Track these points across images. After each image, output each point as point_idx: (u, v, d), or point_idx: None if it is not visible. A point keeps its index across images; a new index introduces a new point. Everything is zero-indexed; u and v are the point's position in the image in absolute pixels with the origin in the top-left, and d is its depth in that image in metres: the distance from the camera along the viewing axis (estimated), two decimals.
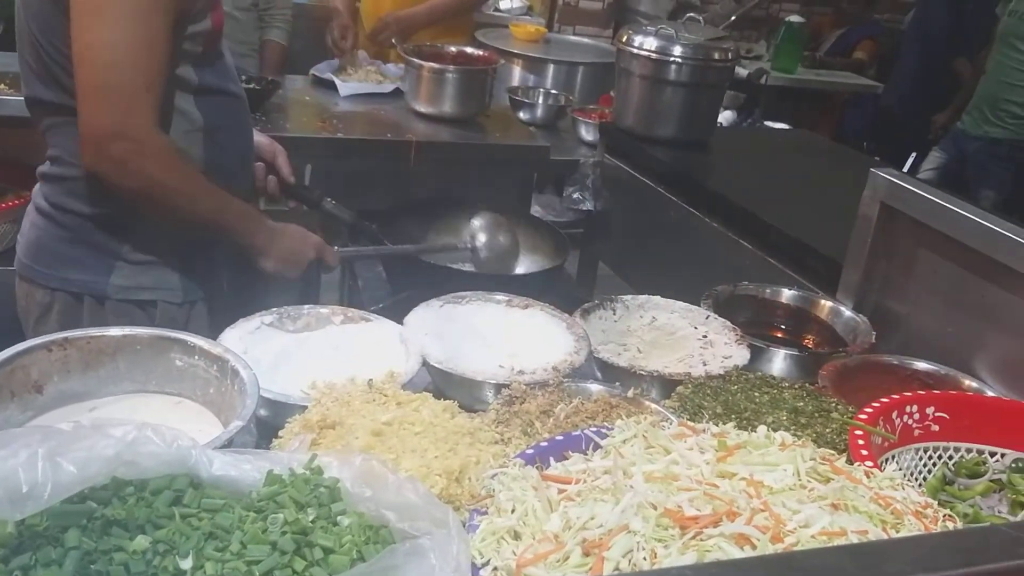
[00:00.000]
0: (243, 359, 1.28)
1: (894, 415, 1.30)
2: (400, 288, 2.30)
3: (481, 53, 3.39)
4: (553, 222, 4.32)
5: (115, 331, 1.31)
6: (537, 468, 1.09)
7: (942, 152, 5.04)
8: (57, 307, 1.70)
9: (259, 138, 2.04)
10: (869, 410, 1.28)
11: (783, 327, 1.81)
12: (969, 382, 1.54)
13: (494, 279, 2.28)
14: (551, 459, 1.12)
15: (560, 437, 1.16)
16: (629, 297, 1.71)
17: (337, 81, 3.40)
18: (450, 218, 2.48)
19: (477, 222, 2.35)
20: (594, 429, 1.17)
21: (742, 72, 4.81)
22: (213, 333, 1.47)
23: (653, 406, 1.37)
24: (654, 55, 2.97)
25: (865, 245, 1.71)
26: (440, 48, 3.36)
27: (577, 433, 1.16)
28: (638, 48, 3.00)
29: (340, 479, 1.00)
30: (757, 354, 1.60)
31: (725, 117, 3.91)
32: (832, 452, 1.14)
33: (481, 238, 2.32)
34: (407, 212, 2.47)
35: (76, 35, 1.50)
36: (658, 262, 2.98)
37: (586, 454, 1.14)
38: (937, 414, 1.34)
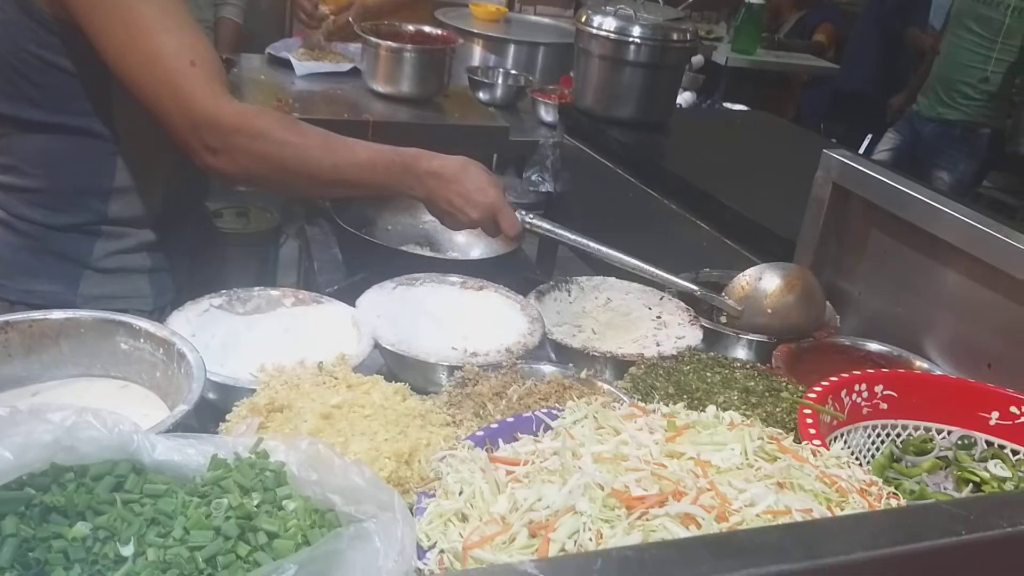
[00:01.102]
0: (190, 342, 1.26)
1: (843, 394, 1.31)
2: (355, 270, 2.28)
3: (440, 32, 3.36)
4: (513, 203, 4.32)
5: (57, 314, 1.28)
6: (487, 450, 1.09)
7: (896, 134, 5.09)
8: None
9: None
10: (818, 389, 1.29)
11: None
12: (920, 363, 1.55)
13: (450, 263, 2.27)
14: (501, 441, 1.12)
15: (511, 419, 1.15)
16: (584, 278, 1.70)
17: (293, 60, 3.35)
18: (398, 201, 2.45)
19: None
20: (545, 411, 1.17)
21: (699, 59, 4.81)
22: None
23: (606, 387, 1.37)
24: (613, 35, 2.97)
25: (817, 226, 1.72)
26: (398, 27, 3.33)
27: (528, 415, 1.16)
28: (597, 28, 2.99)
29: (286, 463, 0.99)
30: (715, 338, 1.61)
31: (684, 99, 3.91)
32: (780, 432, 1.15)
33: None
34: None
35: (112, 58, 1.44)
36: (618, 244, 2.98)
37: (537, 436, 1.14)
38: (886, 392, 1.35)
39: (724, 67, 5.34)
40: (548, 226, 1.65)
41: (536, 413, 1.16)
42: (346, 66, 3.40)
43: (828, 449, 1.13)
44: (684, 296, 1.71)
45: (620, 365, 1.47)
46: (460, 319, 1.54)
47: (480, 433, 1.11)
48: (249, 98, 3.04)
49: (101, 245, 1.64)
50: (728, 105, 4.00)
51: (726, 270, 1.84)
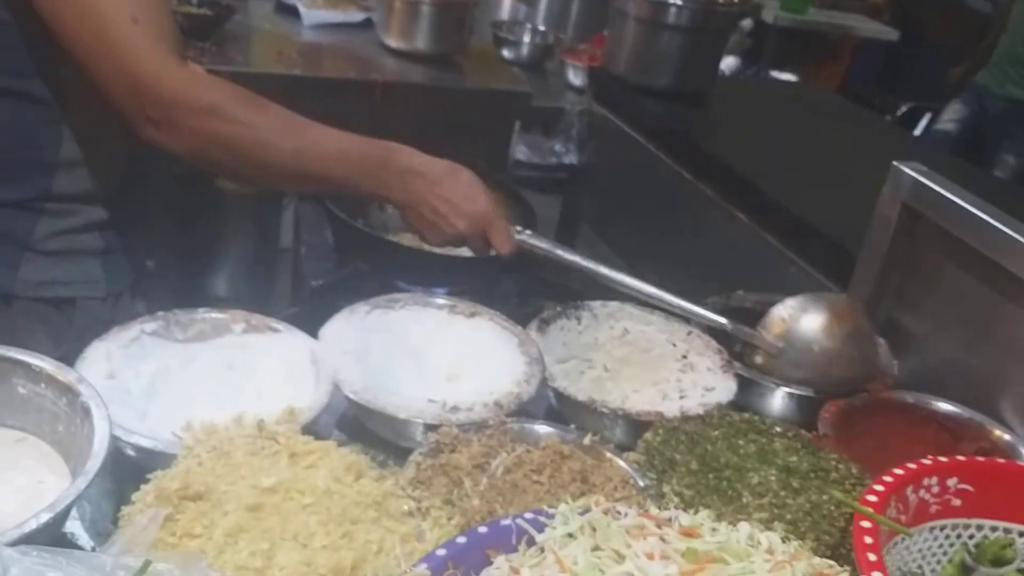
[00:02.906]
0: (97, 394, 1.00)
1: (909, 491, 1.05)
2: (347, 260, 2.03)
3: None
4: (539, 165, 4.06)
5: None
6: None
7: (963, 105, 4.70)
8: None
9: None
10: (879, 488, 1.02)
11: None
12: (1000, 432, 1.29)
13: (453, 259, 2.01)
14: (473, 559, 0.87)
15: (483, 529, 0.90)
16: (598, 303, 1.44)
17: (301, 8, 3.07)
18: None
19: None
20: (529, 515, 0.92)
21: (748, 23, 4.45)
22: None
23: (616, 460, 1.12)
24: None
25: (880, 251, 1.44)
26: None
27: (507, 522, 0.90)
28: None
29: None
30: (747, 386, 1.35)
31: (727, 64, 3.60)
32: (831, 565, 0.89)
33: None
34: None
35: (46, 7, 1.24)
36: (644, 228, 2.71)
37: (516, 553, 0.89)
38: (960, 486, 1.08)
39: (771, 27, 4.97)
40: (546, 245, 1.43)
41: (517, 520, 0.90)
42: (359, 17, 3.12)
43: None
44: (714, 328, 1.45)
45: (633, 426, 1.22)
46: (445, 355, 1.29)
47: (441, 552, 0.86)
48: (249, 51, 2.77)
49: (44, 224, 1.40)
50: (776, 74, 3.67)
51: (763, 293, 1.56)
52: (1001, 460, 1.14)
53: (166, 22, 1.28)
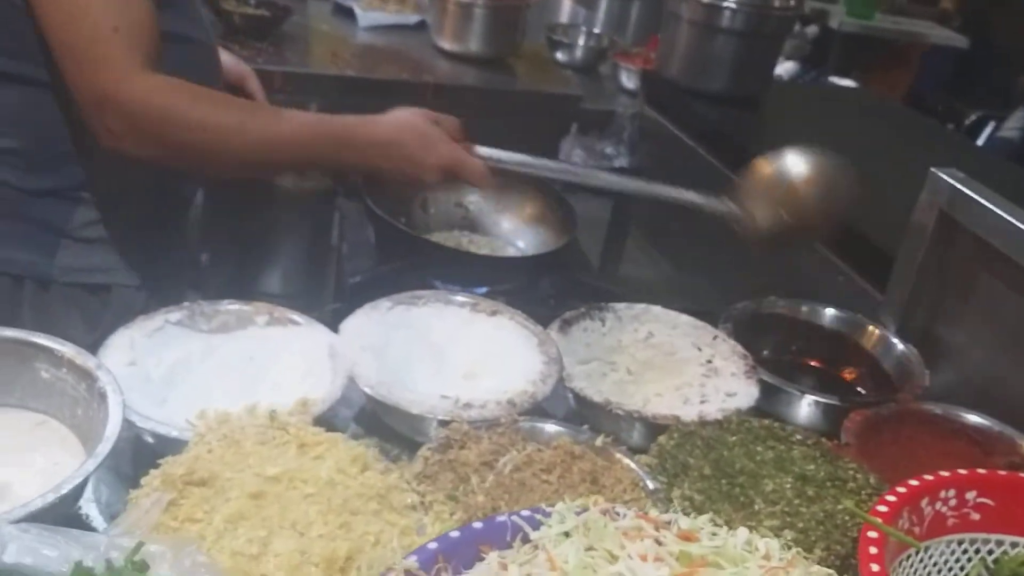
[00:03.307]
0: (114, 380, 1.03)
1: (924, 503, 1.02)
2: (387, 257, 2.05)
3: None
4: (595, 166, 4.03)
5: None
6: (441, 569, 0.85)
7: None
8: None
9: (226, 59, 1.78)
10: (892, 498, 0.99)
11: (817, 356, 1.51)
12: None
13: (493, 260, 2.02)
14: (465, 554, 0.87)
15: (478, 525, 0.90)
16: (623, 306, 1.43)
17: (356, 10, 3.11)
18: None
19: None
20: (526, 513, 0.91)
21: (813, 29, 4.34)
22: None
23: (625, 461, 1.11)
24: None
25: (916, 258, 1.40)
26: None
27: (502, 518, 0.90)
28: None
29: None
30: (772, 393, 1.32)
31: (786, 69, 3.54)
32: (830, 575, 0.87)
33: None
34: None
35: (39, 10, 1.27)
36: (692, 234, 2.68)
37: (510, 550, 0.88)
38: (979, 500, 1.05)
39: (836, 32, 4.88)
40: (516, 159, 1.55)
41: (513, 517, 0.90)
42: (414, 19, 3.15)
43: None
44: (741, 327, 1.43)
45: (650, 428, 1.21)
46: (464, 353, 1.29)
47: (432, 546, 0.86)
48: (302, 51, 2.81)
49: (81, 213, 1.45)
50: (835, 79, 3.60)
51: (795, 300, 1.54)
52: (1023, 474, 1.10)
53: (147, 28, 1.30)
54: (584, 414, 1.27)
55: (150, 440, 1.08)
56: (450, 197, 2.22)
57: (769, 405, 1.37)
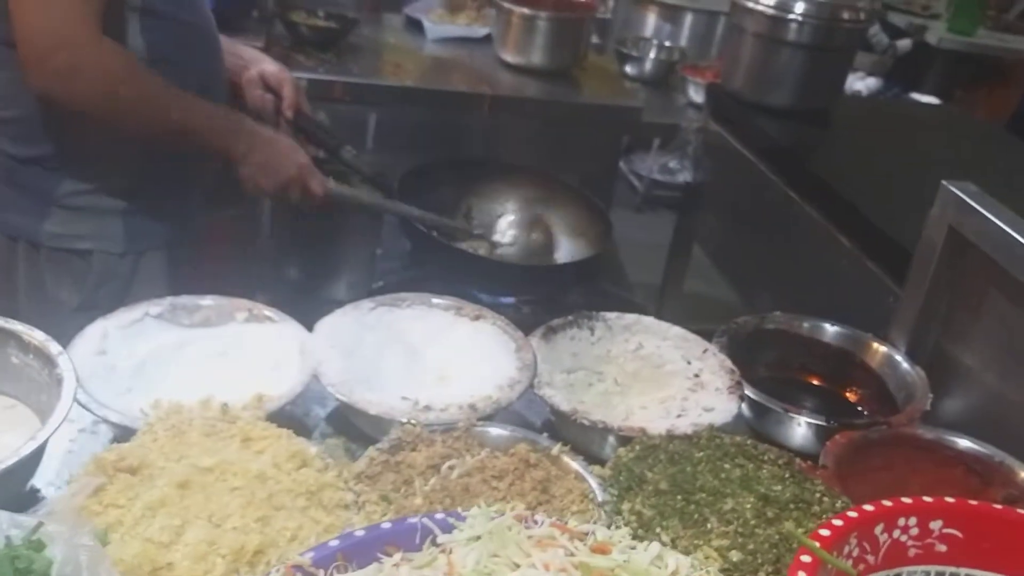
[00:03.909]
0: (72, 365, 1.06)
1: (878, 529, 0.96)
2: (418, 266, 2.06)
3: None
4: (659, 182, 3.97)
5: None
6: (338, 568, 0.84)
7: None
8: None
9: (267, 66, 1.86)
10: (839, 522, 0.94)
11: (820, 374, 1.45)
12: None
13: (519, 270, 2.00)
14: (370, 554, 0.86)
15: (387, 525, 0.88)
16: (614, 315, 1.39)
17: (425, 22, 3.14)
18: (490, 184, 2.19)
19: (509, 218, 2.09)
20: (440, 516, 0.90)
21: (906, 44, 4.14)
22: (174, 289, 1.33)
23: (579, 469, 1.09)
24: (771, 11, 2.57)
25: (926, 275, 1.33)
26: None
27: (413, 520, 0.89)
28: (754, 2, 2.60)
29: (53, 563, 0.78)
30: (761, 411, 1.27)
31: (867, 85, 3.42)
32: None
33: (510, 233, 2.05)
34: (443, 171, 2.19)
35: None
36: (753, 251, 2.61)
37: (418, 551, 0.87)
38: (946, 530, 0.98)
39: (936, 49, 4.67)
40: (348, 193, 1.85)
41: (424, 520, 0.89)
42: (482, 32, 3.16)
43: None
44: (739, 342, 1.38)
45: (621, 440, 1.17)
46: (439, 356, 1.28)
47: (334, 544, 0.85)
48: (366, 62, 2.85)
49: (70, 182, 1.56)
50: (916, 96, 3.45)
51: (799, 315, 1.47)
52: (997, 506, 1.02)
53: None
54: (556, 424, 1.25)
55: (110, 428, 1.10)
56: (492, 208, 2.23)
57: (760, 424, 1.31)
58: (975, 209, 1.23)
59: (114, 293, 1.53)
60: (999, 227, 1.19)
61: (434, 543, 0.87)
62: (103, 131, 1.51)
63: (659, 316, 1.37)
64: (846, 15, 2.58)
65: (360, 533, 0.87)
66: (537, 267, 2.06)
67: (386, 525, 0.88)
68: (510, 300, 2.02)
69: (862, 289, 1.99)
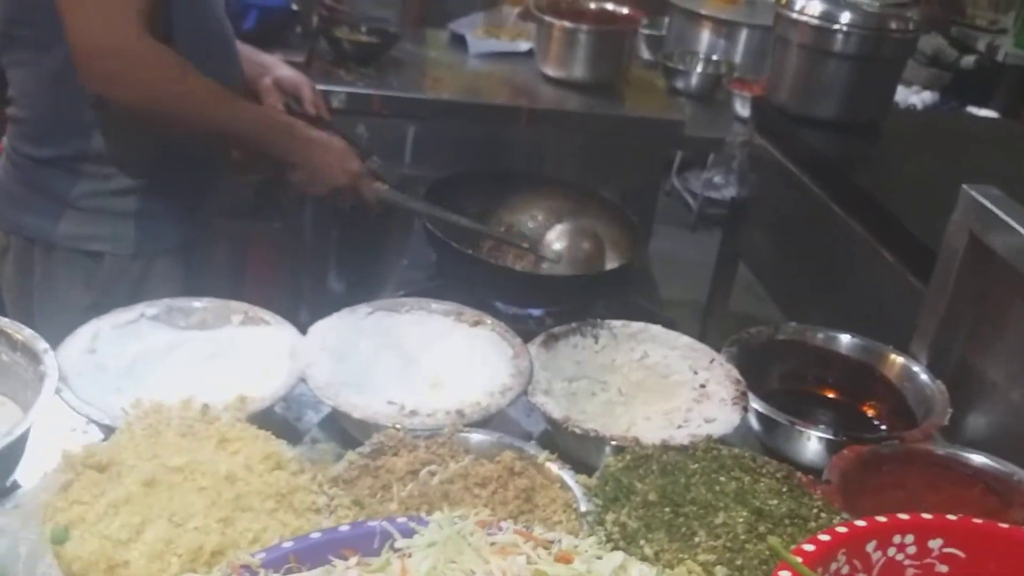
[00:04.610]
0: (55, 363, 1.06)
1: (870, 547, 0.90)
2: (443, 275, 2.04)
3: (624, 11, 3.02)
4: (712, 199, 3.90)
5: None
6: (291, 570, 0.81)
7: None
8: (12, 250, 1.62)
9: (282, 71, 1.88)
10: (826, 537, 0.88)
11: (837, 387, 1.38)
12: None
13: (544, 280, 1.97)
14: (325, 557, 0.83)
15: (345, 528, 0.86)
16: (619, 323, 1.35)
17: (468, 37, 3.14)
18: (520, 196, 2.16)
19: (558, 229, 2.07)
20: (402, 520, 0.87)
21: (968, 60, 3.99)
22: (188, 291, 1.35)
23: (565, 478, 1.05)
24: (816, 21, 2.51)
25: (947, 284, 1.26)
26: (580, 4, 3.02)
27: (373, 524, 0.86)
28: (798, 13, 2.54)
29: None
30: (769, 424, 1.22)
31: (922, 99, 3.32)
32: None
33: (557, 246, 2.02)
34: (472, 182, 2.16)
35: None
36: (799, 269, 2.54)
37: (380, 553, 0.84)
38: (947, 550, 0.92)
39: (1003, 65, 4.52)
40: (400, 198, 1.81)
41: (384, 524, 0.86)
42: (524, 46, 3.15)
43: None
44: (752, 352, 1.33)
45: (616, 450, 1.13)
46: (434, 361, 1.26)
47: (287, 545, 0.82)
48: (406, 76, 2.85)
49: (84, 184, 1.57)
50: (973, 110, 3.33)
51: (813, 327, 1.41)
52: (1003, 525, 0.95)
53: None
54: (552, 433, 1.21)
55: (97, 429, 1.10)
56: (522, 219, 2.20)
57: (769, 438, 1.26)
58: (997, 216, 1.16)
59: (125, 295, 1.53)
60: (1022, 235, 1.12)
61: (393, 548, 0.84)
62: (119, 133, 1.53)
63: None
64: (894, 25, 2.51)
65: (316, 535, 0.84)
66: (560, 277, 2.02)
67: (344, 528, 0.86)
68: (538, 313, 1.99)
69: (906, 306, 1.92)
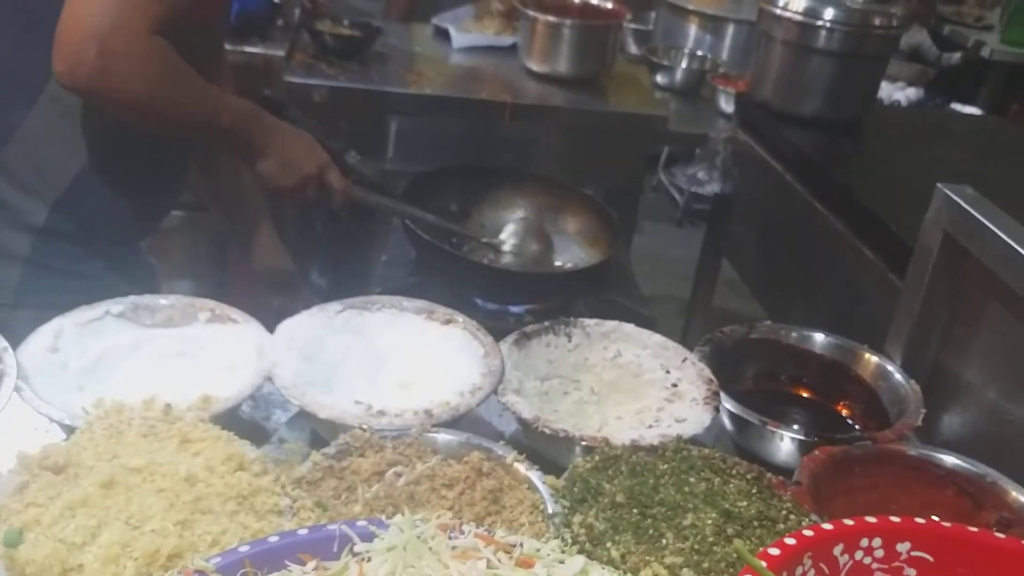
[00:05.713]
0: (15, 362, 1.04)
1: (837, 550, 0.89)
2: (422, 272, 2.02)
3: (608, 6, 3.00)
4: (698, 195, 3.89)
5: None
6: (247, 574, 0.80)
7: None
8: None
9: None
10: (791, 541, 0.87)
11: (811, 387, 1.37)
12: (1020, 496, 1.08)
13: (523, 277, 1.96)
14: (282, 561, 0.82)
15: (303, 531, 0.84)
16: (593, 322, 1.34)
17: (452, 31, 3.12)
18: (497, 192, 2.15)
19: (511, 226, 2.04)
20: (362, 523, 0.85)
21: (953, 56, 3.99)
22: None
23: (534, 482, 1.03)
24: (799, 17, 2.50)
25: (921, 283, 1.25)
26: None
27: (332, 527, 0.84)
28: (782, 8, 2.53)
29: None
30: (741, 424, 1.21)
31: (907, 95, 3.31)
32: None
33: (511, 241, 2.01)
34: (450, 179, 2.15)
35: None
36: (781, 266, 2.53)
37: (339, 557, 0.82)
38: (915, 553, 0.91)
39: (989, 62, 4.51)
40: (366, 195, 1.77)
41: (343, 527, 0.84)
42: (508, 40, 3.12)
43: None
44: (724, 352, 1.32)
45: (588, 451, 1.12)
46: (403, 360, 1.24)
47: (243, 549, 0.81)
48: (387, 70, 2.83)
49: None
50: (957, 107, 3.33)
51: (788, 325, 1.40)
52: (972, 529, 0.94)
53: None
54: (523, 433, 1.20)
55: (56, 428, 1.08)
56: (503, 215, 2.19)
57: (742, 439, 1.25)
58: (971, 215, 1.15)
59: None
60: (996, 235, 1.11)
61: (352, 552, 0.83)
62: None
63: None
64: (878, 21, 2.50)
65: (274, 539, 0.83)
66: (538, 274, 2.01)
67: (302, 532, 0.84)
68: (518, 310, 1.98)
69: (886, 303, 1.92)
